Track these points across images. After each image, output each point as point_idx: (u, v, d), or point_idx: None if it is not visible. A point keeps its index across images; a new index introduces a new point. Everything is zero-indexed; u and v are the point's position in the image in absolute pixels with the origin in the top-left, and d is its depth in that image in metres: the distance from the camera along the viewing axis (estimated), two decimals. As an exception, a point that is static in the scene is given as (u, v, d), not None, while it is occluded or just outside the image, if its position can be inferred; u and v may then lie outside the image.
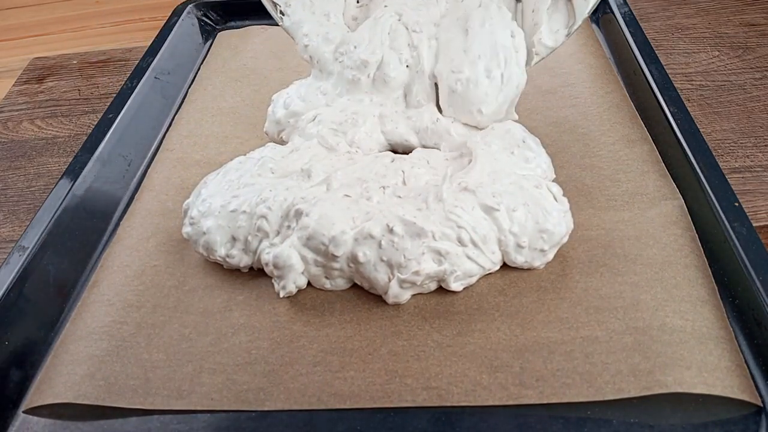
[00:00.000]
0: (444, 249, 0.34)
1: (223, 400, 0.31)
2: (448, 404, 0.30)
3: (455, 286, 0.35)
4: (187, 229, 0.38)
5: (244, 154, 0.41)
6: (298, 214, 0.35)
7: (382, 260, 0.34)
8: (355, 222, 0.35)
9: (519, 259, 0.35)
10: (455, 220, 0.34)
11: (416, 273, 0.34)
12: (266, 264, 0.36)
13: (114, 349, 0.34)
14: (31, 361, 0.35)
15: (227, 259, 0.37)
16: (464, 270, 0.35)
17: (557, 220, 0.35)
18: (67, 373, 0.33)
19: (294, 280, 0.35)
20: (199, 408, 0.31)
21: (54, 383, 0.32)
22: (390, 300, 0.34)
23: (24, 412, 0.32)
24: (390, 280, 0.34)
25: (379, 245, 0.34)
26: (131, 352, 0.33)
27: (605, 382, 0.30)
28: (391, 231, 0.34)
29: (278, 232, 0.36)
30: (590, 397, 0.30)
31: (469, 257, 0.35)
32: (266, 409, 0.31)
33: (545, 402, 0.30)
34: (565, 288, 0.35)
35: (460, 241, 0.34)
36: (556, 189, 0.37)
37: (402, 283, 0.34)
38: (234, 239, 0.37)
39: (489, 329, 0.33)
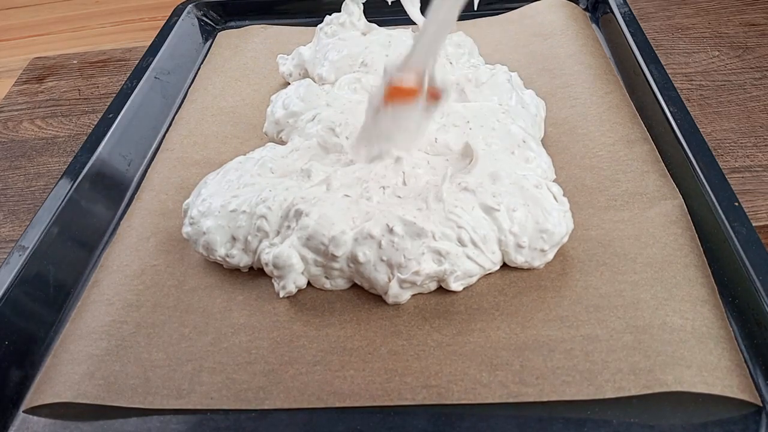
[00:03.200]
0: (444, 249, 0.34)
1: (222, 399, 0.31)
2: (448, 402, 0.30)
3: (455, 286, 0.35)
4: (187, 229, 0.38)
5: (244, 154, 0.41)
6: (298, 214, 0.35)
7: (382, 260, 0.34)
8: (354, 222, 0.35)
9: (519, 258, 0.35)
10: (455, 220, 0.34)
11: (416, 273, 0.34)
12: (266, 264, 0.36)
13: (114, 348, 0.34)
14: (31, 361, 0.35)
15: (227, 259, 0.37)
16: (464, 270, 0.35)
17: (557, 220, 0.35)
18: (66, 373, 0.33)
19: (294, 280, 0.35)
20: (198, 407, 0.31)
21: (54, 383, 0.32)
22: (390, 300, 0.34)
23: (24, 411, 0.32)
24: (390, 280, 0.34)
25: (379, 245, 0.34)
26: (131, 351, 0.33)
27: (605, 381, 0.30)
28: (391, 231, 0.34)
29: (278, 232, 0.36)
30: (590, 395, 0.30)
31: (469, 257, 0.35)
32: (266, 408, 0.31)
33: (545, 400, 0.30)
34: (565, 287, 0.35)
35: (460, 241, 0.34)
36: (557, 189, 0.37)
37: (402, 283, 0.34)
38: (234, 239, 0.37)
39: (489, 328, 0.33)
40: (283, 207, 0.36)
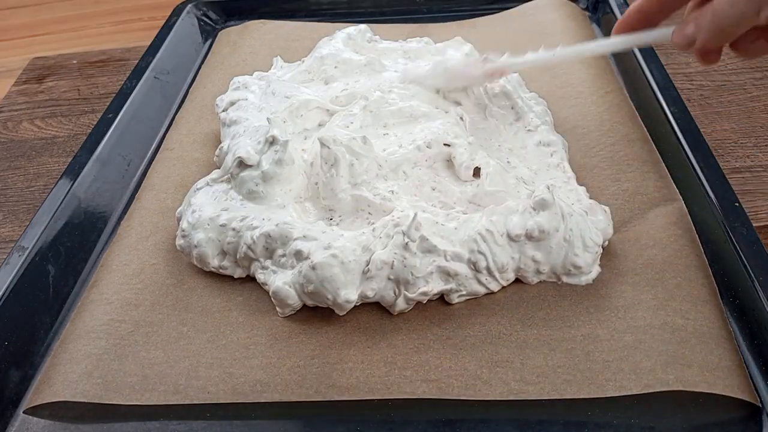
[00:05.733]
0: (453, 270, 0.34)
1: (219, 393, 0.31)
2: (448, 397, 0.30)
3: (457, 301, 0.35)
4: (180, 242, 0.38)
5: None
6: (299, 255, 0.34)
7: (389, 279, 0.34)
8: (363, 263, 0.34)
9: (535, 280, 0.35)
10: (477, 244, 0.34)
11: (424, 294, 0.33)
12: (263, 284, 0.36)
13: (112, 347, 0.34)
14: (31, 361, 0.35)
15: (221, 270, 0.37)
16: (471, 291, 0.34)
17: (592, 261, 0.35)
18: (65, 372, 0.33)
19: (293, 308, 0.35)
20: (195, 402, 0.31)
21: (52, 382, 0.32)
22: (395, 312, 0.34)
23: (24, 412, 0.32)
24: (396, 297, 0.34)
25: (391, 266, 0.33)
26: (129, 350, 0.33)
27: (606, 380, 0.30)
28: (405, 246, 0.33)
29: (268, 257, 0.36)
30: (591, 394, 0.30)
31: (480, 282, 0.34)
32: (263, 401, 0.31)
33: (546, 398, 0.30)
34: (565, 286, 0.35)
35: (475, 267, 0.34)
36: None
37: (408, 300, 0.34)
38: (225, 253, 0.37)
39: (489, 323, 0.33)
40: (262, 241, 0.35)
